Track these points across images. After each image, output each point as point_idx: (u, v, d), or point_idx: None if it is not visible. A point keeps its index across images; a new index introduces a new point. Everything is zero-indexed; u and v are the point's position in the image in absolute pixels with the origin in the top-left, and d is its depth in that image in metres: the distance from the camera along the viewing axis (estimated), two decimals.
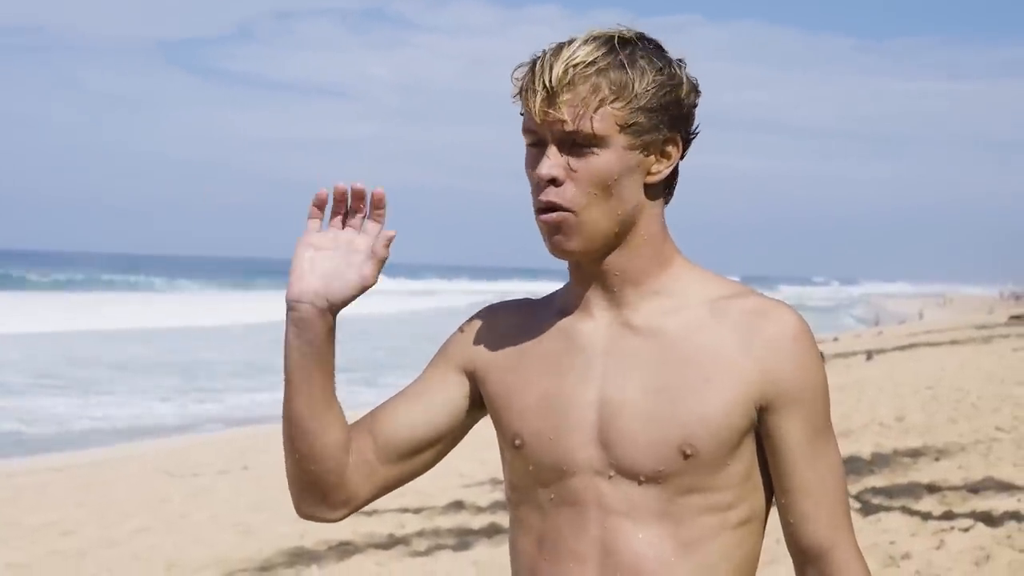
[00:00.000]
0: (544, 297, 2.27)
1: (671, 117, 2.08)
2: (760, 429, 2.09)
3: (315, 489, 2.18)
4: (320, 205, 2.15)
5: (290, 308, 2.12)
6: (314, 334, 2.12)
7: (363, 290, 2.14)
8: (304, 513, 2.22)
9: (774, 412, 2.07)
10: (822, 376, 2.09)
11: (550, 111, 2.03)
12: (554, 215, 2.06)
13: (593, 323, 2.15)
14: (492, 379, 2.20)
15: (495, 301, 2.32)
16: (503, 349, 2.21)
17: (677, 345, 2.09)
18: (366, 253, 2.14)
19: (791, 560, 2.16)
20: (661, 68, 2.07)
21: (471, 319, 2.28)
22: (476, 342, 2.23)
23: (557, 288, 2.28)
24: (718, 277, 2.18)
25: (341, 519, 2.23)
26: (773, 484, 2.12)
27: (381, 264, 2.13)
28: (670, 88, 2.07)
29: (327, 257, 2.14)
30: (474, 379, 2.23)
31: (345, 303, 2.13)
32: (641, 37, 2.09)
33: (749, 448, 2.09)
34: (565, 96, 2.03)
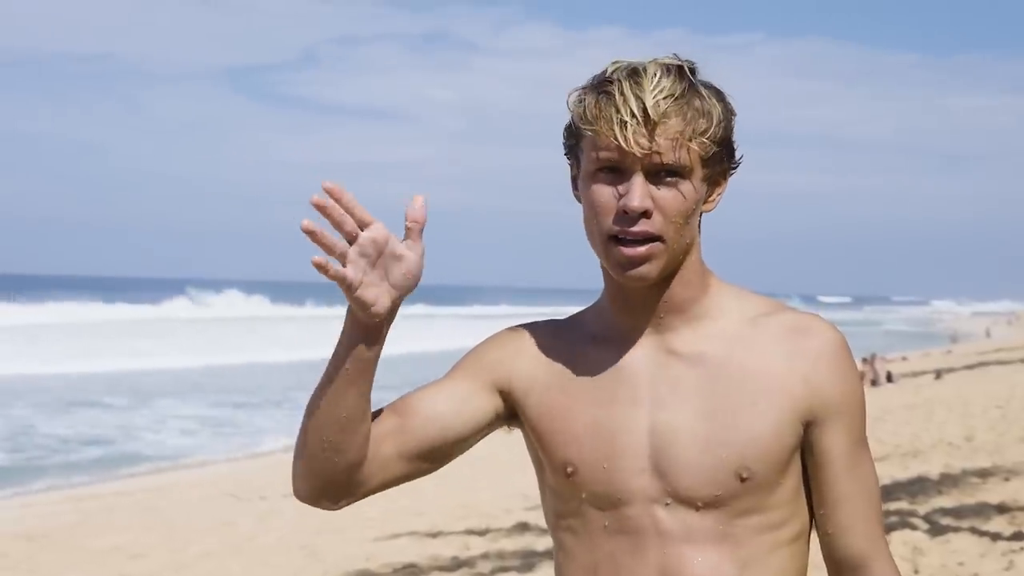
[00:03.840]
0: (568, 319, 2.25)
1: (729, 148, 2.11)
2: (804, 443, 2.11)
3: (331, 479, 2.11)
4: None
5: (366, 316, 2.00)
6: (385, 328, 2.05)
7: (421, 263, 2.02)
8: (306, 498, 2.15)
9: (818, 425, 2.09)
10: (861, 388, 2.13)
11: (650, 144, 2.01)
12: (644, 247, 2.05)
13: (637, 351, 2.14)
14: (534, 402, 2.18)
15: (523, 322, 2.29)
16: (543, 372, 2.19)
17: (722, 368, 2.10)
18: (390, 238, 1.99)
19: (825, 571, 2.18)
20: (723, 99, 2.09)
21: (502, 336, 2.25)
22: (513, 361, 2.20)
23: (578, 310, 2.26)
24: (753, 294, 2.19)
25: (339, 509, 2.18)
26: (813, 496, 2.13)
27: (421, 230, 2.00)
28: (731, 120, 2.10)
29: (367, 270, 1.98)
30: (510, 399, 2.20)
31: (413, 288, 2.02)
32: (695, 66, 2.09)
33: (797, 464, 2.11)
34: (661, 127, 2.02)
